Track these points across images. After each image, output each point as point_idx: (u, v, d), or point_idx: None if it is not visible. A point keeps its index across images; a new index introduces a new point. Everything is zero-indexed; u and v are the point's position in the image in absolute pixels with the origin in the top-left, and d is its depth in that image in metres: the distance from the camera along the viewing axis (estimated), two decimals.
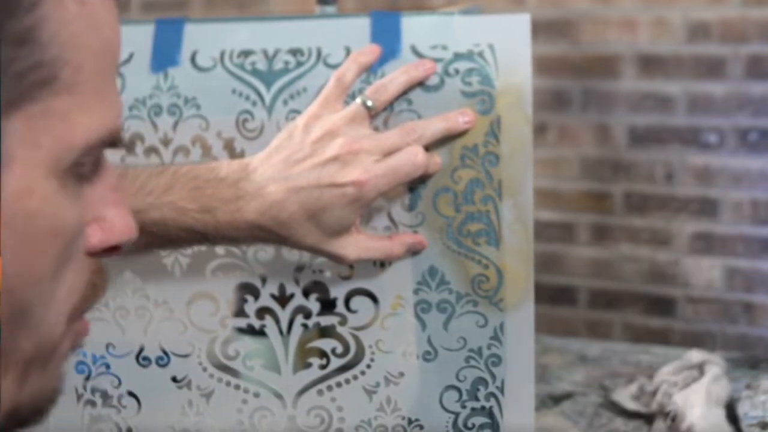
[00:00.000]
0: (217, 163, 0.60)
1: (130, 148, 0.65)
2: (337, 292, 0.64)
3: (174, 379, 0.67)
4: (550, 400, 0.87)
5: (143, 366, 0.67)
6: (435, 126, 0.61)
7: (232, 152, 0.64)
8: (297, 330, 0.65)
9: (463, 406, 0.64)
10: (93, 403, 0.68)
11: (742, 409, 0.77)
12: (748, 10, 1.79)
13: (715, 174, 1.85)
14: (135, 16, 2.30)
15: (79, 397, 0.67)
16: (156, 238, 0.58)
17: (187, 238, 0.59)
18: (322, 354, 0.65)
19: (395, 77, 0.61)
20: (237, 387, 0.66)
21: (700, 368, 0.81)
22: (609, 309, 1.99)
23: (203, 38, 0.65)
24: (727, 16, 1.81)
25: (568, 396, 0.88)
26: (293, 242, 0.59)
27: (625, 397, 0.83)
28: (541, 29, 1.92)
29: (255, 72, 0.64)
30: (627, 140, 1.92)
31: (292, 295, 0.65)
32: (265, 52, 0.64)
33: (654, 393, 0.81)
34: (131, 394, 0.67)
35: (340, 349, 0.65)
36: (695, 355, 0.82)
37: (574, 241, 2.00)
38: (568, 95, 1.96)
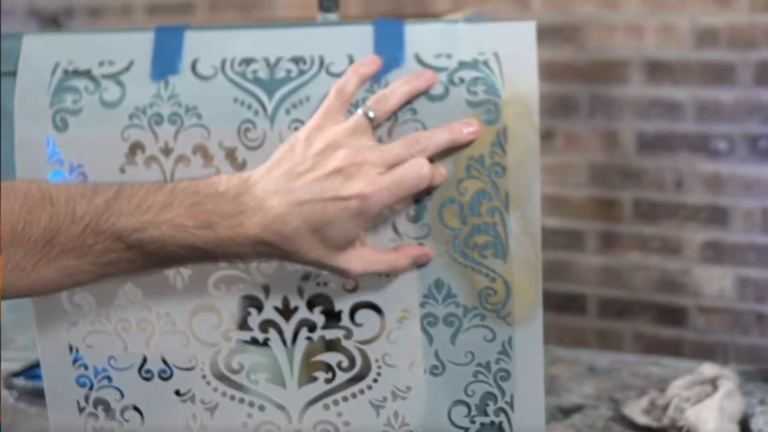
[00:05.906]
0: (216, 177, 0.58)
1: (130, 157, 0.64)
2: (342, 304, 0.63)
3: (177, 393, 0.66)
4: (559, 413, 0.86)
5: (146, 379, 0.66)
6: (439, 137, 0.60)
7: (234, 162, 0.63)
8: (301, 343, 0.64)
9: (473, 422, 0.63)
10: (95, 416, 0.67)
11: (756, 424, 0.77)
12: (757, 16, 1.78)
13: (726, 181, 1.84)
14: (139, 20, 2.30)
15: (81, 410, 0.67)
16: (155, 257, 0.57)
17: (187, 256, 0.58)
18: (328, 368, 0.64)
19: (396, 87, 0.60)
20: (241, 401, 0.65)
21: (713, 383, 0.80)
22: (619, 318, 1.98)
23: (204, 46, 0.64)
24: (735, 22, 1.80)
25: (578, 409, 0.87)
26: (297, 257, 0.58)
27: (636, 411, 0.83)
28: (546, 34, 1.92)
29: (257, 80, 0.63)
30: (635, 147, 1.91)
31: (296, 308, 0.64)
32: (266, 61, 0.64)
33: (665, 407, 0.80)
34: (134, 407, 0.66)
35: (345, 363, 0.64)
36: (708, 370, 0.82)
37: (583, 248, 1.99)
38: (575, 101, 1.95)
